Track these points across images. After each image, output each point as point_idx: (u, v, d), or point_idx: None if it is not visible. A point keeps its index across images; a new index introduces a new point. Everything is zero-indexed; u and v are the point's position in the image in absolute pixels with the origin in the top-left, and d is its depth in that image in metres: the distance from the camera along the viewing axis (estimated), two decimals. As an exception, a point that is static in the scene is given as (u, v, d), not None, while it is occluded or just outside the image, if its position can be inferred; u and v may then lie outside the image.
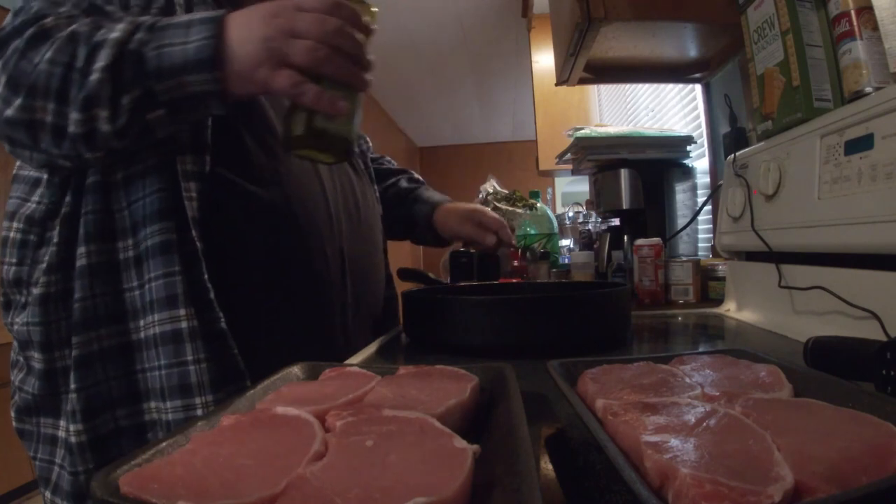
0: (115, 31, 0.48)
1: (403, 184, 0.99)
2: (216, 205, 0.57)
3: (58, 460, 0.54)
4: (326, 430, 0.26)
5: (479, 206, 0.95)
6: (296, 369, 0.39)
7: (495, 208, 1.68)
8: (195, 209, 0.54)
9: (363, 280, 0.73)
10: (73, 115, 0.48)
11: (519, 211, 1.68)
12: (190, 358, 0.51)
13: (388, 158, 1.07)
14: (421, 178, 1.04)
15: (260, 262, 0.60)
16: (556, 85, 1.36)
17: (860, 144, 0.55)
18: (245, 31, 0.49)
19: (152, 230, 0.53)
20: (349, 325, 0.69)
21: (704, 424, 0.24)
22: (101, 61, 0.47)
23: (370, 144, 1.01)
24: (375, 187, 0.86)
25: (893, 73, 0.62)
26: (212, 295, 0.54)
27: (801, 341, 0.41)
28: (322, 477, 0.21)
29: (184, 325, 0.52)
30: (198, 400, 0.52)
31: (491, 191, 1.78)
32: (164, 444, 0.24)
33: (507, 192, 1.79)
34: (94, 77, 0.47)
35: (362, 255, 0.73)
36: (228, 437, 0.25)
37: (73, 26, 0.49)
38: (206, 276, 0.54)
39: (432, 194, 0.98)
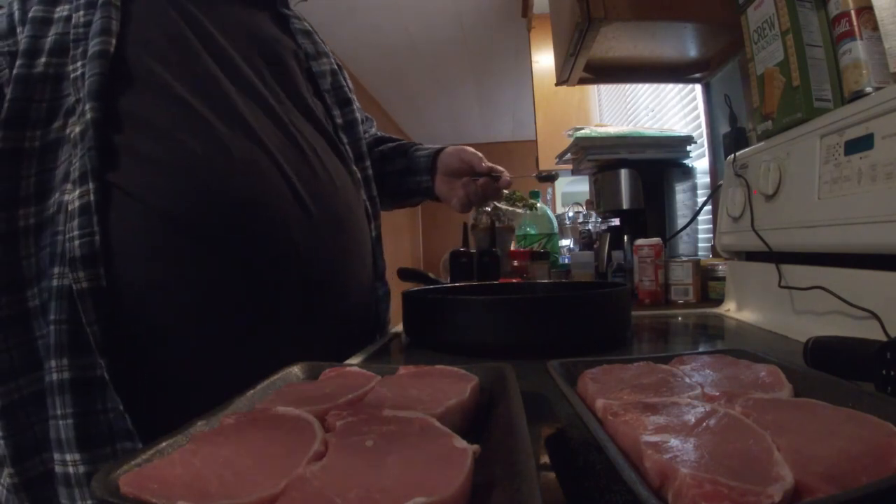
0: None
1: (404, 141, 0.97)
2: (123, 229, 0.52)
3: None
4: (326, 430, 0.26)
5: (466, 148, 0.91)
6: (296, 369, 0.39)
7: (495, 208, 1.68)
8: (76, 248, 0.49)
9: (329, 288, 0.63)
10: None
11: (519, 211, 1.69)
12: (59, 412, 0.48)
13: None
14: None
15: (177, 286, 0.53)
16: (556, 85, 1.36)
17: (860, 144, 0.55)
18: None
19: (50, 276, 0.51)
20: (313, 341, 0.62)
21: (704, 424, 0.24)
22: None
23: (374, 122, 0.95)
24: (359, 167, 0.76)
25: (893, 73, 0.62)
26: (91, 341, 0.49)
27: (801, 341, 0.41)
28: (322, 477, 0.21)
29: (54, 377, 0.48)
30: (68, 457, 0.48)
31: (491, 191, 1.78)
32: (164, 444, 0.24)
33: (507, 192, 1.79)
34: None
35: (329, 257, 0.63)
36: (228, 437, 0.25)
37: None
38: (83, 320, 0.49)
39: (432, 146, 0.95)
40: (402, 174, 0.91)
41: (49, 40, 0.56)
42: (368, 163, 0.80)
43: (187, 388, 0.53)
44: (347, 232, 0.68)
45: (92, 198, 0.50)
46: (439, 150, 0.90)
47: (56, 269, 0.50)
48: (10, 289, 0.51)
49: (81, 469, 0.48)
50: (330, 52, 0.81)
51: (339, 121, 0.75)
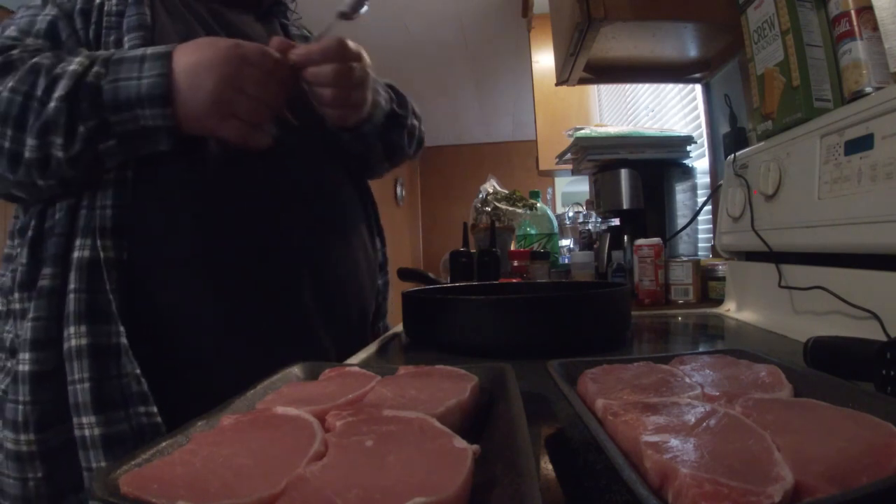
0: (74, 64, 0.51)
1: None
2: (136, 210, 0.55)
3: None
4: (326, 430, 0.26)
5: None
6: (296, 369, 0.39)
7: (495, 208, 1.68)
8: (108, 217, 0.53)
9: (331, 282, 0.66)
10: (30, 142, 0.50)
11: (519, 211, 1.69)
12: (77, 377, 0.50)
13: None
14: None
15: (193, 266, 0.57)
16: (556, 85, 1.36)
17: (860, 144, 0.55)
18: (195, 78, 0.52)
19: (71, 248, 0.53)
20: (316, 334, 0.64)
21: (704, 424, 0.24)
22: (60, 91, 0.49)
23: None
24: (356, 164, 0.78)
25: (893, 73, 0.62)
26: (113, 307, 0.52)
27: (801, 341, 0.41)
28: (322, 477, 0.21)
29: (73, 343, 0.51)
30: (84, 420, 0.50)
31: (491, 191, 1.79)
32: (164, 443, 0.24)
33: (507, 192, 1.80)
34: (52, 106, 0.49)
35: (329, 249, 0.67)
36: (228, 437, 0.25)
37: (36, 58, 0.52)
38: (108, 287, 0.52)
39: None
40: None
41: (91, 32, 0.59)
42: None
43: (199, 366, 0.56)
44: (346, 224, 0.71)
45: (130, 173, 0.55)
46: None
47: (78, 241, 0.53)
48: (62, 257, 0.53)
49: (97, 431, 0.50)
50: None
51: None
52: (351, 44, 0.62)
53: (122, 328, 0.52)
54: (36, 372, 0.51)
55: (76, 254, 0.52)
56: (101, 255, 0.52)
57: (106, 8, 0.59)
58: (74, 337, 0.51)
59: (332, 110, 0.64)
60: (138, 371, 0.52)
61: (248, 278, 0.59)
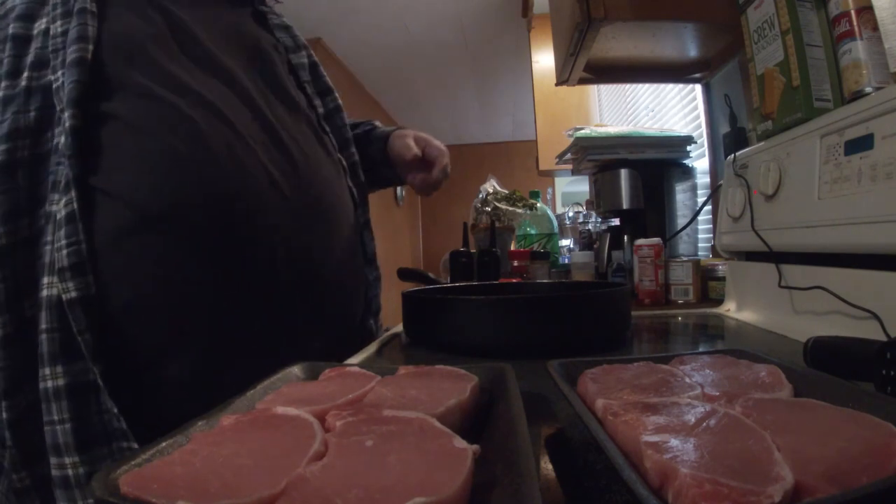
0: None
1: (359, 130, 0.92)
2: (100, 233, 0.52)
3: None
4: (326, 430, 0.26)
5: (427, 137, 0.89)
6: (296, 369, 0.39)
7: (495, 208, 1.68)
8: (64, 257, 0.50)
9: (314, 276, 0.64)
10: None
11: (519, 211, 1.69)
12: (56, 418, 0.49)
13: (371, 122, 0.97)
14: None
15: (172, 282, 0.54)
16: (556, 85, 1.36)
17: (860, 144, 0.55)
18: None
19: (39, 286, 0.51)
20: (304, 329, 0.63)
21: (704, 424, 0.24)
22: None
23: (339, 103, 0.88)
24: (344, 154, 0.77)
25: (893, 73, 0.62)
26: (84, 347, 0.49)
27: (801, 341, 0.41)
28: (322, 477, 0.21)
29: (49, 384, 0.49)
30: (67, 460, 0.49)
31: (491, 191, 1.79)
32: (163, 443, 0.24)
33: (507, 192, 1.80)
34: None
35: (311, 245, 0.64)
36: (228, 437, 0.25)
37: None
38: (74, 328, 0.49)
39: (385, 128, 0.92)
40: (371, 165, 0.89)
41: (29, 58, 0.56)
42: (354, 149, 0.81)
43: (180, 386, 0.54)
44: (330, 219, 0.68)
45: (75, 205, 0.50)
46: (387, 141, 0.88)
47: (45, 279, 0.50)
48: (15, 301, 0.51)
49: (81, 470, 0.49)
50: (308, 46, 0.81)
51: (321, 111, 0.76)
52: (441, 145, 0.86)
53: (95, 368, 0.49)
54: (12, 419, 0.50)
55: (45, 292, 0.50)
56: (64, 297, 0.49)
57: (51, 31, 0.56)
58: (50, 378, 0.49)
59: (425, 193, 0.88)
60: (115, 410, 0.49)
61: (234, 285, 0.57)
